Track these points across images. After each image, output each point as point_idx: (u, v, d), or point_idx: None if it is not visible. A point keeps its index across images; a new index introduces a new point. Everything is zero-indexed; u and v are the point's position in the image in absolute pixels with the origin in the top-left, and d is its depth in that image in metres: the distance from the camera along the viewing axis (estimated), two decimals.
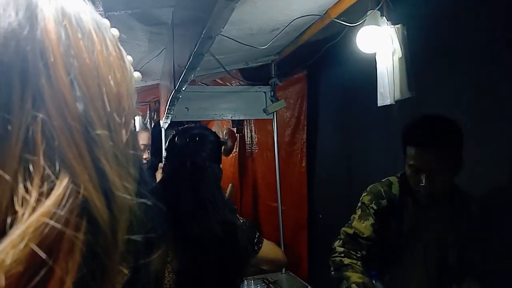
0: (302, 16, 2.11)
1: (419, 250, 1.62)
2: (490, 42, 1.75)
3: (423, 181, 1.47)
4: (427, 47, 2.05)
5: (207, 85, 3.86)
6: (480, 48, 1.80)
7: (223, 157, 5.73)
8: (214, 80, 4.15)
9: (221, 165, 1.56)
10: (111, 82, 0.35)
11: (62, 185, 0.28)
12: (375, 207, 1.70)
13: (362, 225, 1.70)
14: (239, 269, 1.46)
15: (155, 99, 4.93)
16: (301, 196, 3.54)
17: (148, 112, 5.41)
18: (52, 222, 0.27)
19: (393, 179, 1.76)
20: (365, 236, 1.68)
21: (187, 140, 1.46)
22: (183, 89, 1.90)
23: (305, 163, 3.51)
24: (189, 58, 1.43)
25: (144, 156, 2.60)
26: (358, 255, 1.69)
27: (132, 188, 0.34)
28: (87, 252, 0.29)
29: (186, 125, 1.61)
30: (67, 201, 0.28)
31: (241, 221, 1.51)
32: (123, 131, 0.35)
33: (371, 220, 1.69)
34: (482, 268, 1.54)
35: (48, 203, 0.28)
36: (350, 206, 2.24)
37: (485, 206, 1.64)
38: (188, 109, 3.06)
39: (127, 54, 0.41)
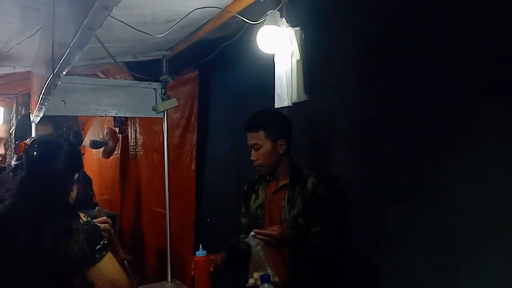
0: (201, 8, 2.01)
1: (267, 220, 1.96)
2: (379, 47, 1.86)
3: (252, 156, 1.92)
4: (322, 51, 2.11)
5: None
6: (371, 53, 1.91)
7: (102, 159, 5.31)
8: (95, 74, 3.81)
9: (75, 175, 1.57)
10: None
11: None
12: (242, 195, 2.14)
13: None
14: (66, 270, 1.38)
15: (24, 92, 4.35)
16: (189, 200, 3.42)
17: (14, 106, 4.74)
18: None
19: None
20: (241, 227, 2.11)
21: (38, 149, 1.50)
22: (63, 74, 1.64)
23: (194, 166, 3.39)
24: (76, 34, 1.22)
25: (0, 152, 2.21)
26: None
27: None
28: None
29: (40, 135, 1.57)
30: None
31: (84, 221, 1.44)
32: None
33: (242, 209, 2.12)
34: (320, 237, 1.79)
35: None
36: (238, 209, 2.21)
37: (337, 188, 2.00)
38: (65, 102, 2.73)
39: None
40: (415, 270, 1.67)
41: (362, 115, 1.94)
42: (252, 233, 1.74)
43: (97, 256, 1.40)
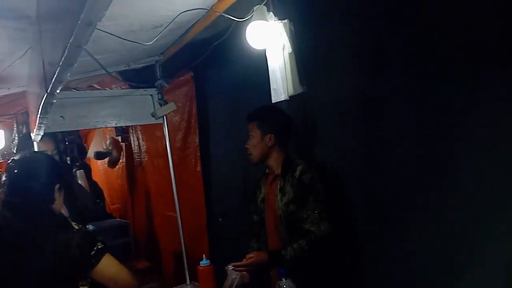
0: (187, 11, 2.00)
1: (267, 211, 2.08)
2: (371, 36, 1.83)
3: (246, 144, 2.05)
4: (314, 41, 2.08)
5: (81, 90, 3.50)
6: (361, 42, 1.88)
7: (109, 169, 5.31)
8: (91, 85, 3.81)
9: (56, 187, 1.63)
10: None
11: None
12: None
13: None
14: (65, 277, 1.47)
15: (22, 111, 4.36)
16: (198, 201, 3.42)
17: (15, 126, 4.76)
18: None
19: None
20: (253, 223, 2.19)
21: (17, 166, 1.60)
22: (57, 92, 1.64)
23: (200, 167, 3.39)
24: (64, 52, 1.21)
25: None
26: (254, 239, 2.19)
27: None
28: None
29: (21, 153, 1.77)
30: None
31: (76, 229, 1.54)
32: None
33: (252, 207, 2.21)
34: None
35: None
36: (247, 205, 2.22)
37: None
38: (64, 118, 2.73)
39: None
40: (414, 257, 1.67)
41: (358, 102, 1.91)
42: (231, 267, 1.88)
43: (92, 261, 1.48)
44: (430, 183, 1.60)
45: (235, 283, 1.90)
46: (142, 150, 4.45)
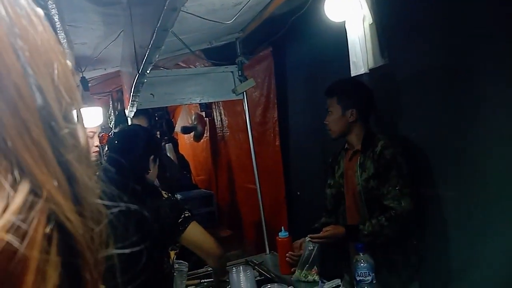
0: None
1: (346, 187, 2.05)
2: (458, 3, 1.71)
3: (325, 120, 2.02)
4: (395, 11, 1.99)
5: (168, 69, 3.70)
6: (447, 10, 1.76)
7: (194, 143, 5.56)
8: (177, 64, 4.00)
9: (151, 157, 1.72)
10: (60, 68, 0.27)
11: (20, 198, 0.22)
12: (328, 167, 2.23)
13: None
14: (156, 242, 1.54)
15: (117, 89, 4.73)
16: (277, 174, 3.50)
17: (111, 103, 5.19)
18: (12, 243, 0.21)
19: None
20: (326, 197, 2.18)
21: (117, 138, 1.74)
22: (148, 72, 1.77)
23: (278, 141, 3.45)
24: (152, 36, 1.31)
25: (96, 143, 2.38)
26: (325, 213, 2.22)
27: (100, 191, 0.28)
28: (62, 276, 0.23)
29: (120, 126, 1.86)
30: (27, 217, 0.22)
31: (166, 197, 1.64)
32: (78, 124, 0.28)
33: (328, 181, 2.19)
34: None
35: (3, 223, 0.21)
36: (326, 180, 2.23)
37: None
38: (153, 96, 2.92)
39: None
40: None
41: (443, 73, 1.81)
42: (308, 238, 1.93)
43: (180, 228, 1.61)
44: None
45: (312, 255, 1.95)
46: (224, 125, 4.62)
